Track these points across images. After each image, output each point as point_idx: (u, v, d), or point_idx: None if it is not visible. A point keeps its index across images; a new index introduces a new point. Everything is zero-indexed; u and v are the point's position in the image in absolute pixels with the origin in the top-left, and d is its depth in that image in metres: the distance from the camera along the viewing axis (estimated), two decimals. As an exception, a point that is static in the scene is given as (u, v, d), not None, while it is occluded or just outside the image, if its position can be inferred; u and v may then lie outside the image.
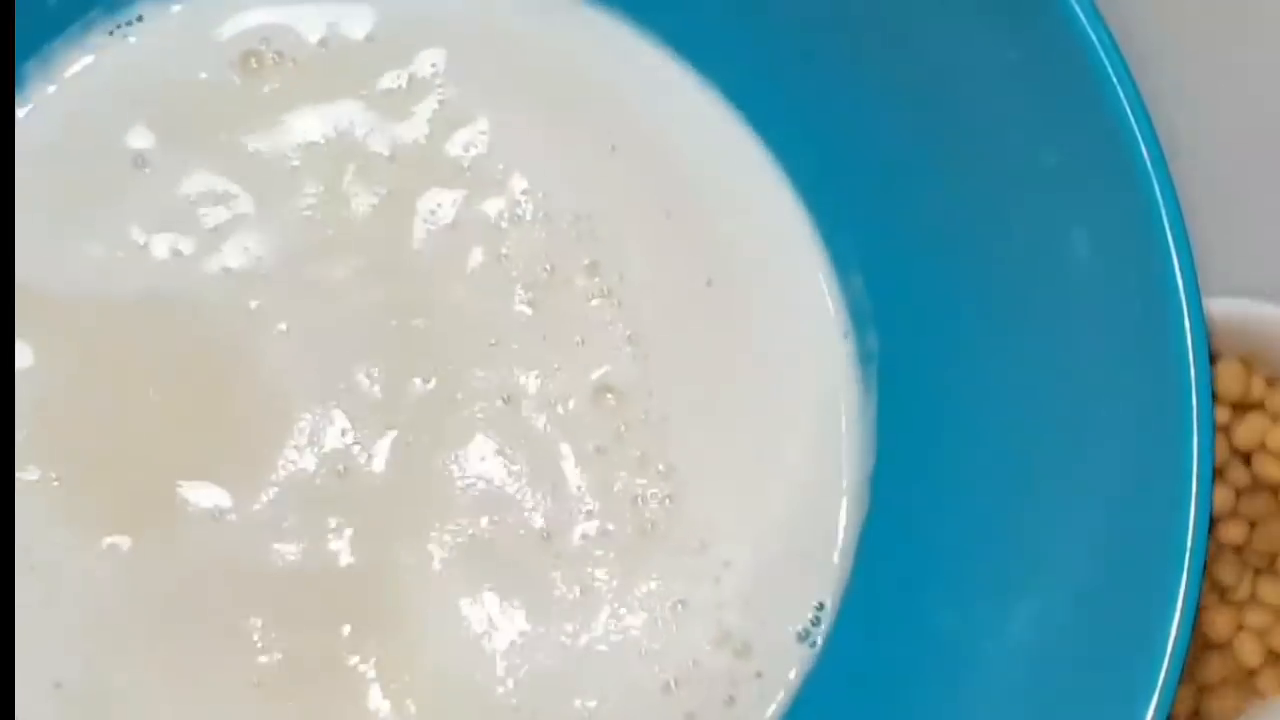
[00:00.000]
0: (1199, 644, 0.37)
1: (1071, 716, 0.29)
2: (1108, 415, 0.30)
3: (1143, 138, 0.28)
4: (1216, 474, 0.37)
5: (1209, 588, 0.37)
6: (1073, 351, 0.30)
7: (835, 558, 0.34)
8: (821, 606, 0.34)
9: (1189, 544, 0.28)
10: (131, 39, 0.34)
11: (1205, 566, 0.28)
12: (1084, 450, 0.30)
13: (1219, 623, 0.37)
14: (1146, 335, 0.29)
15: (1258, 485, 0.37)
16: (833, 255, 0.35)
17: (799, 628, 0.34)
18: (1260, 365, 0.38)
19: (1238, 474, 0.37)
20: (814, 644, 0.34)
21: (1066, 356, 0.31)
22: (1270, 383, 0.38)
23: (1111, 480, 0.30)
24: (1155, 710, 0.28)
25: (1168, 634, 0.28)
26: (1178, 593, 0.28)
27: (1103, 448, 0.30)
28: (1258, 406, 0.38)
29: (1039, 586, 0.31)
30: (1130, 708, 0.28)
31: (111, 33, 0.34)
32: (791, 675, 0.34)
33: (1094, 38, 0.29)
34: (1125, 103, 0.28)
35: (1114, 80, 0.28)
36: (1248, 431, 0.37)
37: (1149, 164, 0.28)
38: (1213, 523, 0.37)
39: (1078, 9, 0.29)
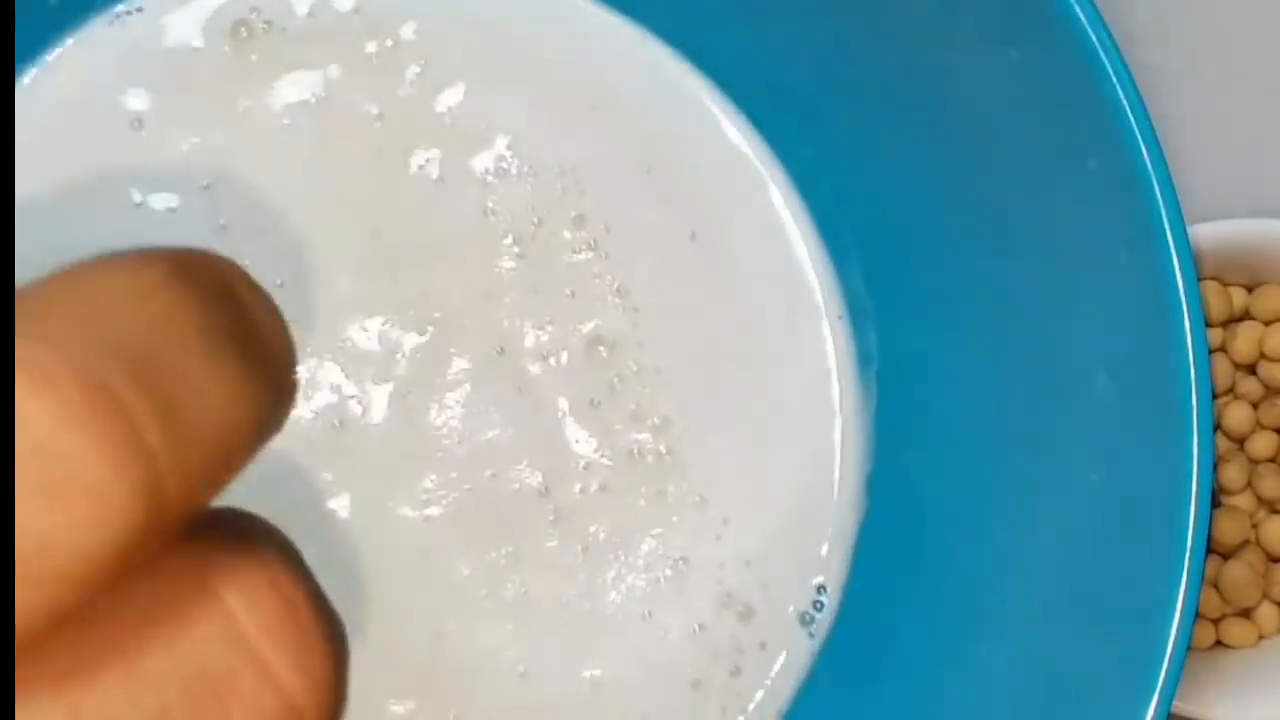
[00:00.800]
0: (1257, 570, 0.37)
1: (1072, 716, 0.29)
2: (1108, 415, 0.30)
3: (1143, 138, 0.28)
4: (1229, 393, 0.37)
5: (1256, 505, 0.37)
6: (1073, 351, 0.30)
7: (835, 539, 0.34)
8: (823, 589, 0.34)
9: (1189, 544, 0.28)
10: (130, 27, 0.34)
11: (1205, 561, 0.28)
12: (1083, 449, 0.30)
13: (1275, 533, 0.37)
14: (1147, 334, 0.29)
15: (1270, 392, 0.37)
16: (830, 246, 0.35)
17: (801, 608, 0.34)
18: (1234, 275, 0.38)
19: (1249, 387, 0.37)
20: (813, 633, 0.34)
21: (1067, 356, 0.31)
22: (1250, 289, 0.38)
23: (1111, 480, 0.30)
24: (1155, 710, 0.28)
25: (1168, 634, 0.28)
26: (1178, 592, 0.28)
27: (1102, 447, 0.30)
28: (1245, 317, 0.38)
29: (1039, 586, 0.31)
30: (1131, 708, 0.28)
31: (110, 24, 0.34)
32: (795, 655, 0.34)
33: (1093, 36, 0.28)
34: (1125, 103, 0.28)
35: (1114, 80, 0.28)
36: (1244, 344, 0.37)
37: (1149, 165, 0.28)
38: (1242, 443, 0.37)
39: (1077, 8, 0.28)
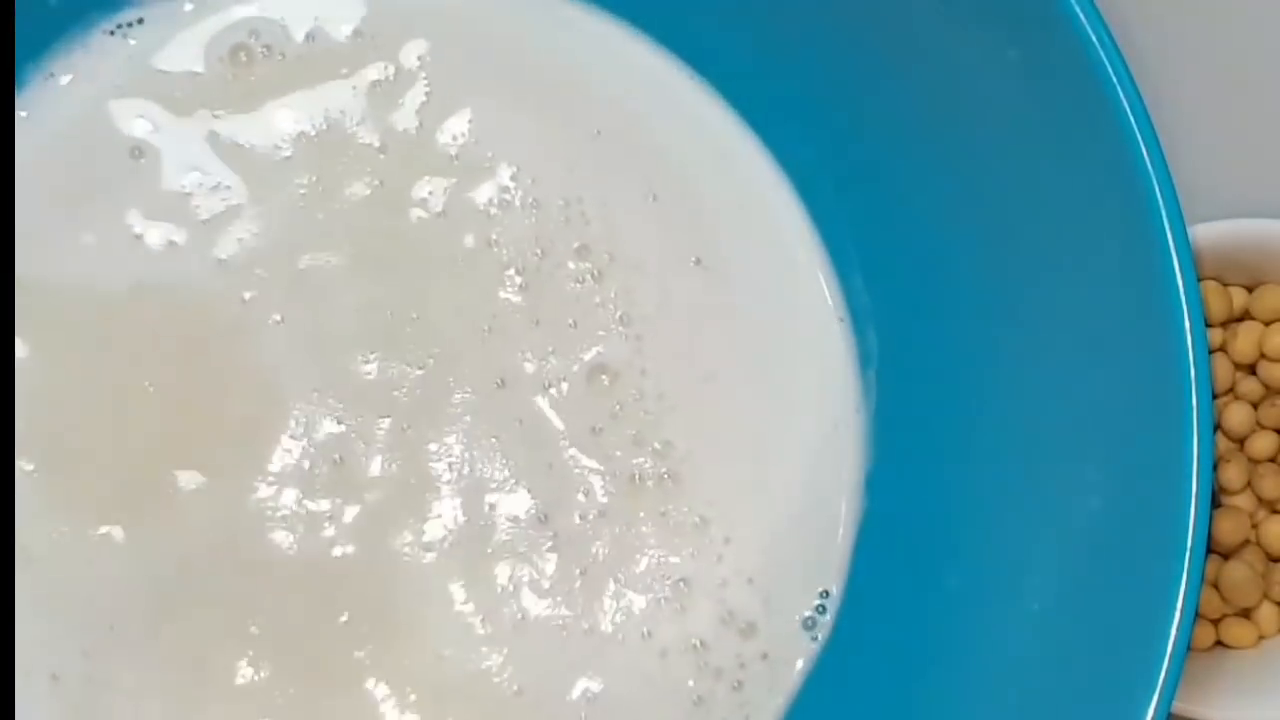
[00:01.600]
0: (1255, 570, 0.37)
1: (1071, 716, 0.29)
2: (1107, 415, 0.30)
3: (1143, 138, 0.28)
4: (1229, 393, 0.37)
5: (1256, 505, 0.37)
6: (1072, 351, 0.30)
7: (837, 542, 0.34)
8: (826, 594, 0.34)
9: (1189, 544, 0.28)
10: (131, 41, 0.34)
11: (1205, 561, 0.28)
12: (1083, 450, 0.30)
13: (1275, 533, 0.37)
14: (1146, 335, 0.29)
15: (1271, 392, 0.37)
16: (832, 253, 0.35)
17: (804, 614, 0.34)
18: (1235, 275, 0.38)
19: (1249, 387, 0.37)
20: (816, 637, 0.34)
21: (1066, 356, 0.31)
22: (1250, 289, 0.38)
23: (1111, 480, 0.30)
24: (1155, 710, 0.28)
25: (1168, 634, 0.28)
26: (1178, 593, 0.28)
27: (1102, 448, 0.30)
28: (1245, 317, 0.38)
29: (1038, 585, 0.31)
30: (1131, 708, 0.28)
31: (111, 33, 0.34)
32: (798, 663, 0.34)
33: (1093, 36, 0.28)
34: (1126, 103, 0.28)
35: (1114, 80, 0.28)
36: (1245, 344, 0.37)
37: (1149, 165, 0.28)
38: (1242, 443, 0.37)
39: (1077, 8, 0.28)
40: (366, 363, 0.33)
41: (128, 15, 0.34)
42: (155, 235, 0.33)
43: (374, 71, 0.34)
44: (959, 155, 0.32)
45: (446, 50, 0.34)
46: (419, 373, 0.34)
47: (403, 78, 0.34)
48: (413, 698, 0.33)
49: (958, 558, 0.33)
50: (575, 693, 0.33)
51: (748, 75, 0.34)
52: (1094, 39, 0.28)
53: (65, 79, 0.34)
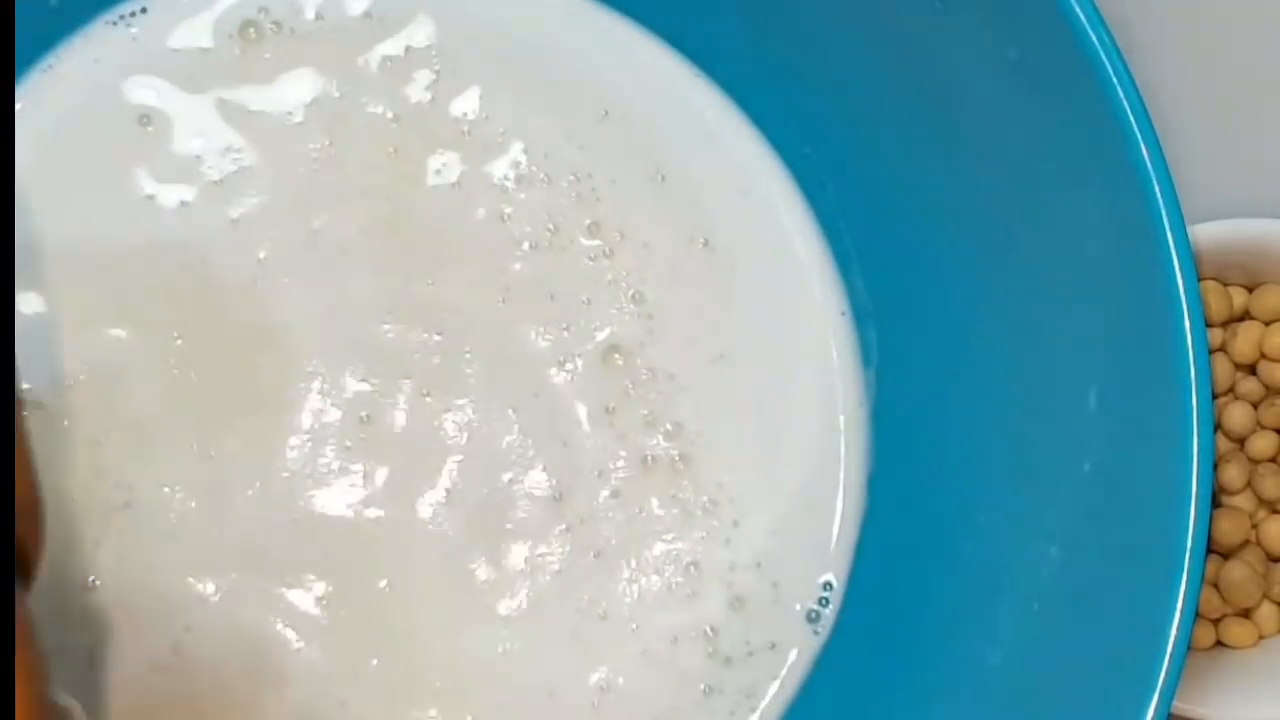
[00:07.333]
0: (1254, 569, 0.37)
1: (1071, 716, 0.29)
2: (1108, 415, 0.30)
3: (1143, 138, 0.28)
4: (1229, 393, 0.37)
5: (1256, 505, 0.37)
6: (1073, 350, 0.30)
7: (841, 531, 0.34)
8: (830, 586, 0.34)
9: (1189, 544, 0.28)
10: (134, 29, 0.34)
11: (1205, 561, 0.28)
12: (1084, 449, 0.30)
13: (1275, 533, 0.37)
14: (1147, 335, 0.29)
15: (1270, 392, 0.37)
16: (833, 250, 0.35)
17: (809, 604, 0.34)
18: (1235, 275, 0.38)
19: (1249, 387, 0.38)
20: (819, 630, 0.34)
21: (1066, 355, 0.31)
22: (1250, 289, 0.38)
23: (1110, 480, 0.30)
24: (1155, 710, 0.28)
25: (1167, 634, 0.28)
26: (1178, 593, 0.28)
27: (1101, 447, 0.30)
28: (1246, 317, 0.38)
29: (1039, 584, 0.31)
30: (1131, 707, 0.28)
31: (114, 23, 0.34)
32: (804, 653, 0.34)
33: (1093, 36, 0.28)
34: (1125, 103, 0.28)
35: (1114, 79, 0.28)
36: (1244, 343, 0.37)
37: (1149, 164, 0.28)
38: (1242, 443, 0.37)
39: (1076, 8, 0.28)
40: (383, 324, 0.33)
41: (130, 6, 0.34)
42: (167, 195, 0.33)
43: (384, 48, 0.34)
44: (959, 154, 0.32)
45: (455, 31, 0.34)
46: (435, 339, 0.33)
47: (413, 55, 0.34)
48: (427, 678, 0.33)
49: (956, 555, 0.33)
50: (591, 680, 0.33)
51: (750, 73, 0.35)
52: (1094, 39, 0.28)
53: (67, 66, 0.34)
